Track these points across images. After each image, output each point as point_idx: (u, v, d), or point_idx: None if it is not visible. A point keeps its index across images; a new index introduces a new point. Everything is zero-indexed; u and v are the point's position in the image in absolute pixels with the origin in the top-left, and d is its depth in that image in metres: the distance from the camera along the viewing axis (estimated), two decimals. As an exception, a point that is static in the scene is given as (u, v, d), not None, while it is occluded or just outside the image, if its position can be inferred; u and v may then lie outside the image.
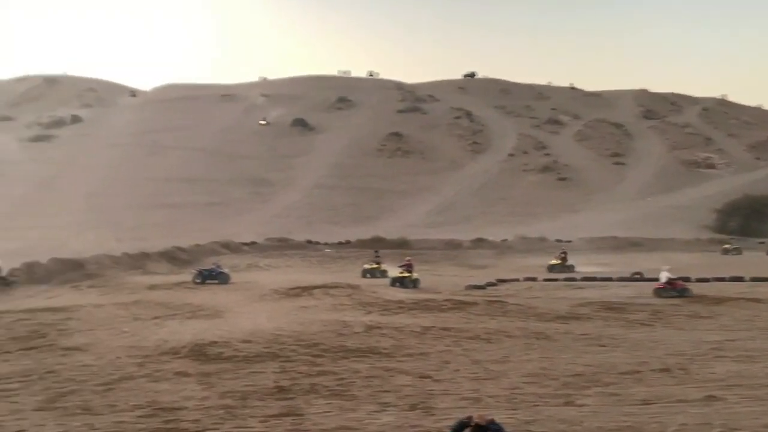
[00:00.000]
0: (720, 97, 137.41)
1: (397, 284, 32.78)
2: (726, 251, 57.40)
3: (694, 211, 77.71)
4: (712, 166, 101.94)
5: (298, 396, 13.52)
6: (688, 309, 25.75)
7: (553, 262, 41.42)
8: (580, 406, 12.77)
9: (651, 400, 13.02)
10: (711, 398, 13.06)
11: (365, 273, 37.73)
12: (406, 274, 33.29)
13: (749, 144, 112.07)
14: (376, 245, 55.60)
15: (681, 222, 73.35)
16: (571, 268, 40.55)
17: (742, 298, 28.16)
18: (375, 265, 37.97)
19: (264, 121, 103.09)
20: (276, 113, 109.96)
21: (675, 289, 30.01)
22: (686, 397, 13.22)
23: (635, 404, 12.81)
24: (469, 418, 8.44)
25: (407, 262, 34.11)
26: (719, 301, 27.51)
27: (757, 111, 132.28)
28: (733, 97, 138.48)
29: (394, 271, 34.50)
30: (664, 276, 30.78)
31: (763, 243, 62.79)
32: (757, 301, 27.59)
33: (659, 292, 30.02)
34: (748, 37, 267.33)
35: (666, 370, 15.66)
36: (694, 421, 11.60)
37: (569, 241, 60.70)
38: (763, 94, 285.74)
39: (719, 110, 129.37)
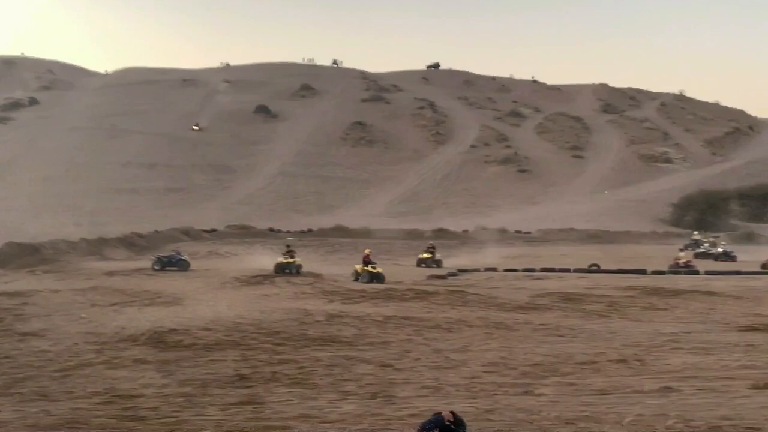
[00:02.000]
0: (678, 93, 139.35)
1: (364, 280, 31.11)
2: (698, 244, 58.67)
3: (651, 205, 78.90)
4: (669, 161, 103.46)
5: (259, 384, 13.47)
6: (644, 301, 26.17)
7: (423, 255, 40.92)
8: (539, 395, 12.91)
9: (608, 391, 13.20)
10: (667, 389, 13.28)
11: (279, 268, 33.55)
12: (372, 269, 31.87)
13: (706, 139, 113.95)
14: (338, 233, 55.67)
15: (638, 215, 74.41)
16: (439, 263, 40.17)
17: (697, 291, 28.71)
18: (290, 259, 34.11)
19: (196, 126, 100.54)
20: (213, 114, 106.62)
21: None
22: (642, 387, 13.43)
23: (592, 394, 12.99)
24: (439, 413, 8.48)
25: (366, 257, 32.70)
26: (675, 293, 28.01)
27: (713, 107, 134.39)
28: (690, 93, 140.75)
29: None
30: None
31: (717, 237, 63.94)
32: (712, 293, 28.15)
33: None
34: (706, 34, 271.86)
35: (623, 360, 15.89)
36: (651, 412, 11.80)
37: (528, 233, 61.32)
38: (720, 90, 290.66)
39: (677, 105, 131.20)
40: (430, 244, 43.43)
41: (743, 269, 37.88)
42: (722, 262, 42.91)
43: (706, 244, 51.57)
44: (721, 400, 12.54)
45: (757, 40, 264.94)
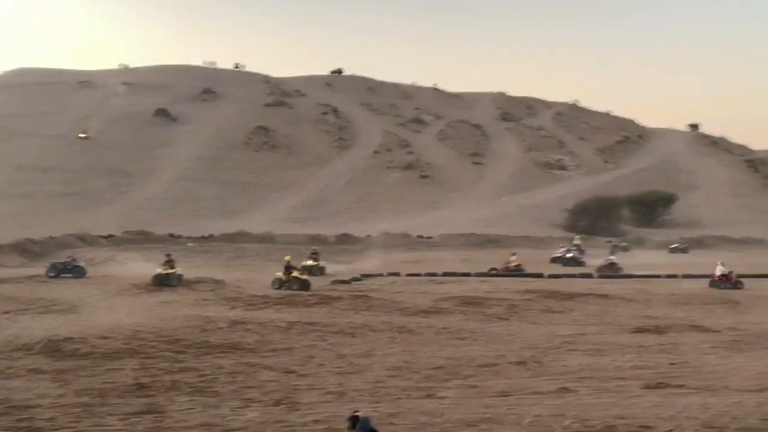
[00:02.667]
0: (572, 102, 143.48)
1: (294, 287, 29.87)
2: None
3: (547, 211, 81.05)
4: (563, 168, 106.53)
5: (159, 393, 13.24)
6: (542, 304, 26.96)
7: (307, 263, 37.28)
8: (441, 398, 13.14)
9: (508, 392, 13.56)
10: (564, 390, 13.74)
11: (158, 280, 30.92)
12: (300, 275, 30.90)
13: (598, 147, 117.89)
14: (240, 239, 55.00)
15: (535, 220, 76.36)
16: (322, 270, 37.89)
17: (592, 294, 29.77)
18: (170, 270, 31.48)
19: (83, 134, 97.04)
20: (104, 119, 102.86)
21: (730, 281, 34.23)
22: (541, 389, 13.85)
23: (493, 396, 13.31)
24: (362, 418, 8.56)
25: (287, 263, 31.41)
26: (570, 296, 28.95)
27: (605, 116, 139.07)
28: (584, 103, 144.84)
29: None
30: (719, 270, 35.03)
31: (610, 242, 66.30)
32: (605, 296, 29.25)
33: (716, 285, 34.02)
34: (598, 47, 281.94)
35: (522, 362, 16.35)
36: (548, 412, 12.19)
37: (430, 237, 62.08)
38: (611, 100, 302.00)
39: (571, 114, 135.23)
40: (313, 249, 41.09)
41: (634, 272, 39.46)
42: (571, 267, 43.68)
43: (575, 249, 53.27)
44: (615, 400, 13.07)
45: (646, 54, 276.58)
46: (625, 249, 58.97)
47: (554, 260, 47.10)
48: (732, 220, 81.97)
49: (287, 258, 32.11)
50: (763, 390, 13.69)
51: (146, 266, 34.48)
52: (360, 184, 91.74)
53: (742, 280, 34.67)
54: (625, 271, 40.21)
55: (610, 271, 40.21)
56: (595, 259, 45.60)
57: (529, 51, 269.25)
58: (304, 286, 30.20)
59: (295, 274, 30.78)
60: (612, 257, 43.97)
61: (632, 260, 45.41)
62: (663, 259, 49.32)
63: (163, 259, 32.55)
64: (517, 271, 39.56)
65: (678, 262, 46.41)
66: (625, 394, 13.46)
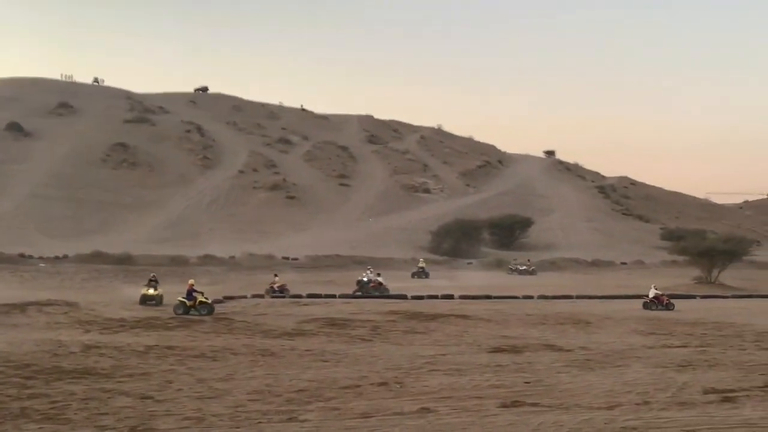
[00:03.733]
0: (436, 127, 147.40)
1: (203, 312, 29.14)
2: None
3: (412, 233, 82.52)
4: (428, 191, 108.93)
5: (6, 421, 12.51)
6: (405, 325, 27.33)
7: (148, 292, 33.31)
8: (303, 421, 13.05)
9: (370, 413, 13.62)
10: (425, 410, 13.93)
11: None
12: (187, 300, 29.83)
13: (461, 171, 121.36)
14: (97, 260, 52.82)
15: (401, 242, 77.57)
16: (159, 300, 33.20)
17: (453, 315, 30.46)
18: None
19: None
20: None
21: (661, 303, 36.32)
22: (402, 409, 13.99)
23: (355, 418, 13.34)
24: None
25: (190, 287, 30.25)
26: (433, 317, 29.51)
27: (468, 141, 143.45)
28: (447, 127, 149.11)
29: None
30: (652, 292, 36.94)
31: (471, 263, 68.26)
32: (466, 317, 30.00)
33: (648, 306, 36.05)
34: (462, 72, 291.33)
35: (384, 383, 16.48)
36: (409, 432, 12.33)
37: (296, 259, 61.85)
38: (473, 125, 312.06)
39: (435, 139, 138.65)
40: (152, 275, 35.30)
41: (493, 294, 40.74)
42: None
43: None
44: (473, 419, 13.37)
45: (505, 81, 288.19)
46: (533, 273, 61.64)
47: (358, 283, 43.55)
48: (584, 243, 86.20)
49: (191, 282, 31.20)
50: (612, 407, 14.37)
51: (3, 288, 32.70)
52: (224, 204, 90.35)
53: (673, 301, 36.91)
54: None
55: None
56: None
57: (395, 74, 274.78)
58: (211, 310, 29.70)
59: (201, 298, 29.95)
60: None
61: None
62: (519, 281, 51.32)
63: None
64: (281, 292, 38.56)
65: (528, 283, 48.38)
66: (482, 413, 13.80)
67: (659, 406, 14.58)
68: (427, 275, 55.45)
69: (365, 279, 43.50)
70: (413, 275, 54.80)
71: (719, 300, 39.41)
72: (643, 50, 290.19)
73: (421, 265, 58.25)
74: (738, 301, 42.61)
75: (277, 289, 39.24)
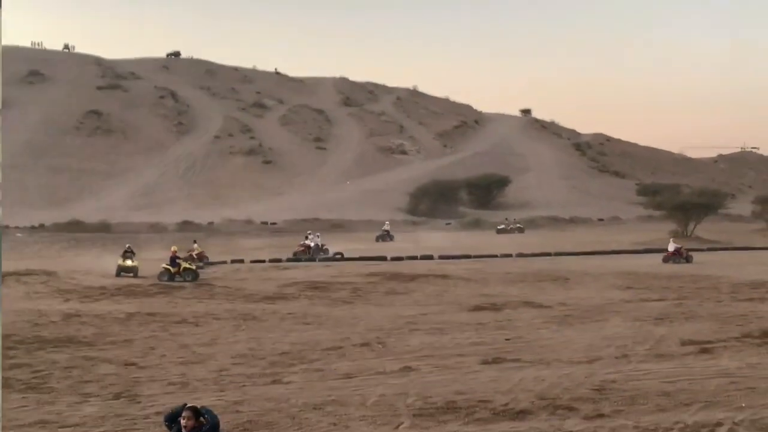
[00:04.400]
0: (412, 88, 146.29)
1: (188, 278, 29.01)
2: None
3: (389, 195, 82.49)
4: (404, 153, 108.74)
5: (-12, 392, 12.48)
6: (385, 286, 27.48)
7: (125, 263, 31.81)
8: (287, 383, 13.16)
9: (353, 374, 13.75)
10: (407, 369, 14.09)
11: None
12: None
13: (437, 132, 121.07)
14: (74, 228, 52.51)
15: (378, 205, 77.51)
16: (135, 271, 31.84)
17: (432, 275, 30.64)
18: None
19: None
20: None
21: (682, 256, 36.96)
22: (384, 369, 14.14)
23: (338, 378, 13.47)
24: (184, 405, 8.33)
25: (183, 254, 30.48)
26: (413, 277, 29.67)
27: (444, 102, 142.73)
28: (423, 88, 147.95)
29: None
30: (672, 246, 37.67)
31: (449, 224, 68.50)
32: (445, 277, 30.20)
33: (668, 260, 36.65)
34: (436, 32, 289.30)
35: (366, 344, 16.63)
36: (392, 392, 12.46)
37: (274, 223, 61.79)
38: (449, 86, 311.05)
39: (411, 100, 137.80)
40: (128, 246, 33.02)
41: (472, 253, 40.96)
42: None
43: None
44: (455, 376, 13.55)
45: (480, 40, 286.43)
46: (521, 230, 61.82)
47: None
48: (561, 201, 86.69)
49: (174, 248, 31.18)
50: (592, 361, 14.60)
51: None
52: (200, 170, 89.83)
53: (692, 254, 37.93)
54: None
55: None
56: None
57: (369, 35, 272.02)
58: (196, 276, 29.62)
59: (185, 265, 29.84)
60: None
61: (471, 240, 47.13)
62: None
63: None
64: (200, 260, 35.36)
65: (500, 243, 48.72)
66: (464, 370, 13.98)
67: (638, 358, 14.85)
68: (392, 238, 54.85)
69: (311, 244, 42.71)
70: (377, 239, 54.32)
71: (695, 253, 39.86)
72: (617, 5, 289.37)
73: (385, 227, 57.66)
74: (713, 254, 43.15)
75: (195, 256, 35.69)
